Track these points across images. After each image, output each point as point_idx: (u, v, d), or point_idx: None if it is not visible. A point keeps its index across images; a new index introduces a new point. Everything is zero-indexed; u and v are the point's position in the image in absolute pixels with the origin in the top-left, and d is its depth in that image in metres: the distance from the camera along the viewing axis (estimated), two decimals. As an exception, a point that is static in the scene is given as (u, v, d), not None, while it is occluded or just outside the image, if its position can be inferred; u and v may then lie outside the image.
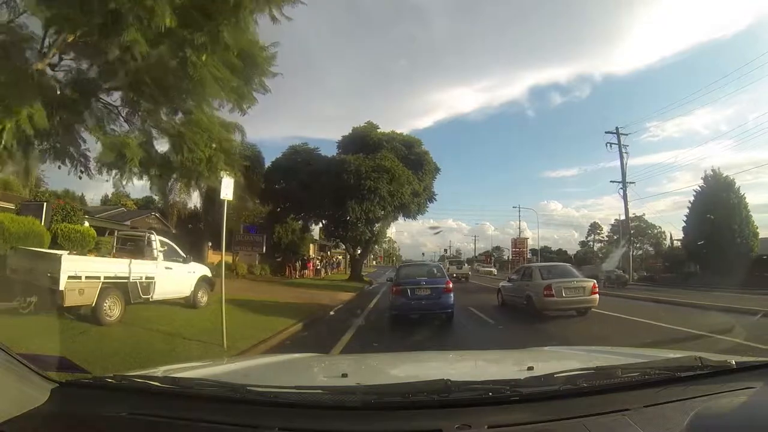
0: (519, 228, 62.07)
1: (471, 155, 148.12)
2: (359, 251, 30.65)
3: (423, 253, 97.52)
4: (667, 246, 63.77)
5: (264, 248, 27.54)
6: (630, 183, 31.12)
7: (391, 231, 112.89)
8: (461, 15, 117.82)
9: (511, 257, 66.74)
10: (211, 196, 27.86)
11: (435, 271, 10.98)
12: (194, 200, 27.63)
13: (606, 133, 32.00)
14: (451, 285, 9.94)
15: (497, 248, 73.38)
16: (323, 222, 29.15)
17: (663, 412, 1.16)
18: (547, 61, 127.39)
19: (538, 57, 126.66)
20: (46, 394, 1.18)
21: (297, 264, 28.69)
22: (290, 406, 1.17)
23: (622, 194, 30.98)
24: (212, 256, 27.90)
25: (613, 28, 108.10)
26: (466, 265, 38.39)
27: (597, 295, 10.42)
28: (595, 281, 10.86)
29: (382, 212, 25.61)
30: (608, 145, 31.80)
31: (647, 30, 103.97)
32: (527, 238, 64.34)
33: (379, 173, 24.71)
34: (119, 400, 1.23)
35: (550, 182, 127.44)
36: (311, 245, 46.77)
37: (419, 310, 9.60)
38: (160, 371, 1.54)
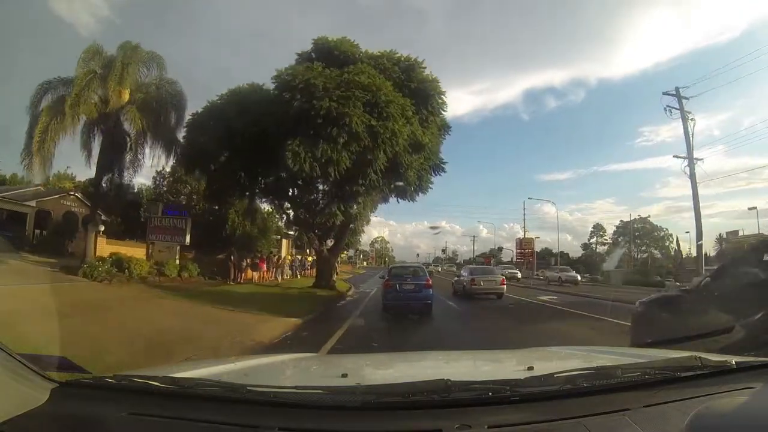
0: (524, 227, 52.89)
1: (465, 158, 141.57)
2: (330, 244, 20.35)
3: (417, 254, 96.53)
4: (674, 250, 57.42)
5: (186, 238, 17.50)
6: (698, 160, 22.72)
7: (384, 232, 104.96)
8: (458, 16, 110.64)
9: (515, 258, 56.84)
10: (108, 153, 17.45)
11: (419, 271, 13.18)
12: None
13: (664, 94, 23.45)
14: (431, 282, 12.39)
15: (500, 249, 64.12)
16: (282, 204, 18.99)
17: (663, 412, 1.13)
18: (542, 64, 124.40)
19: (534, 60, 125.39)
20: (46, 394, 1.15)
21: (244, 263, 18.74)
22: (290, 406, 1.14)
23: (688, 172, 21.53)
24: (106, 247, 17.01)
25: (609, 32, 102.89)
26: (432, 266, 53.50)
27: (505, 285, 16.92)
28: (504, 277, 17.98)
29: (363, 183, 14.90)
30: (668, 110, 23.22)
31: (644, 34, 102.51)
32: (534, 238, 55.09)
33: (348, 90, 13.66)
34: (119, 400, 1.19)
35: (543, 185, 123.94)
36: (285, 242, 35.99)
37: (405, 300, 11.63)
38: (160, 371, 1.49)
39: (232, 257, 19.68)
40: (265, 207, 24.62)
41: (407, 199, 18.74)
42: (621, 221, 65.01)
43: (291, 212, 19.68)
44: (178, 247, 18.63)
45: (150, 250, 19.25)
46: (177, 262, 18.25)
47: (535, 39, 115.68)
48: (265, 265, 22.04)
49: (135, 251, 18.45)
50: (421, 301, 11.67)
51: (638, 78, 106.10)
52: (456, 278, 20.36)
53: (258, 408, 1.14)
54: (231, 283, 18.70)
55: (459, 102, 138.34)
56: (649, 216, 61.46)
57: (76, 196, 27.41)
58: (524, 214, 56.56)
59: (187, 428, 1.10)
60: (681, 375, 1.30)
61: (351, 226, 19.28)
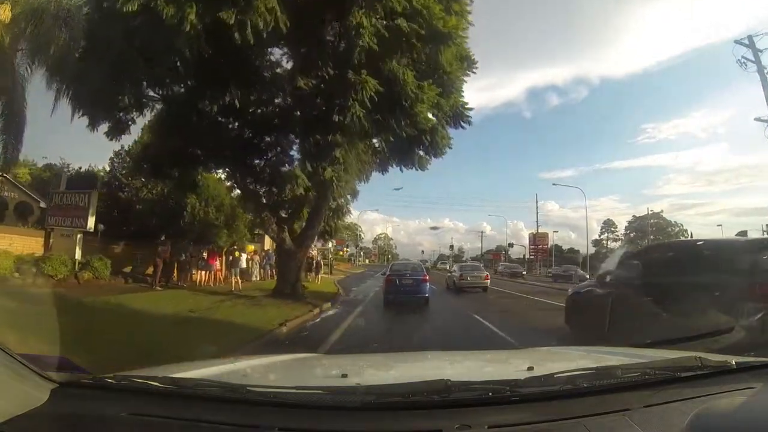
0: (537, 221, 46.70)
1: (467, 156, 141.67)
2: (297, 228, 13.77)
3: (422, 251, 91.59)
4: None
5: (89, 222, 11.16)
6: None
7: (387, 229, 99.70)
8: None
9: (528, 255, 50.74)
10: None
11: (417, 268, 13.93)
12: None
13: (736, 43, 18.61)
14: (428, 277, 13.06)
15: (510, 245, 58.10)
16: (235, 173, 12.61)
17: (663, 413, 1.11)
18: (544, 61, 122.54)
19: (537, 57, 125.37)
20: (46, 394, 1.11)
21: (183, 258, 12.54)
22: (290, 406, 1.11)
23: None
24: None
25: (610, 29, 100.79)
26: (428, 262, 53.00)
27: (488, 280, 19.09)
28: (487, 273, 20.35)
29: (340, 121, 8.70)
30: (742, 62, 18.39)
31: (643, 32, 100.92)
32: (548, 233, 49.35)
33: None
34: (119, 400, 1.16)
35: (545, 183, 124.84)
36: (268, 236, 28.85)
37: (404, 294, 12.26)
38: (160, 371, 1.45)
39: (160, 250, 13.60)
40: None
41: (414, 166, 12.46)
42: (634, 216, 61.25)
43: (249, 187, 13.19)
44: (80, 236, 12.39)
45: (51, 240, 13.10)
46: (78, 255, 12.05)
47: (537, 35, 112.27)
48: (216, 262, 15.84)
49: (25, 242, 12.39)
50: (418, 295, 12.35)
51: (640, 75, 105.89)
52: (448, 274, 23.04)
53: (258, 408, 1.11)
54: (158, 288, 12.56)
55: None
56: (662, 211, 57.09)
57: (6, 177, 21.16)
58: (537, 207, 50.37)
59: (187, 428, 1.07)
60: (681, 375, 1.28)
61: (333, 204, 12.79)
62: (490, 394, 1.11)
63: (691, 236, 57.22)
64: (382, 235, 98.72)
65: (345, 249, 71.68)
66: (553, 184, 55.86)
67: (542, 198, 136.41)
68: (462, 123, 11.97)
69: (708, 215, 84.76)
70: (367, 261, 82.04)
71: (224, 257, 16.65)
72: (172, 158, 12.44)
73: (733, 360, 1.36)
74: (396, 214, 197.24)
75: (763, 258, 4.54)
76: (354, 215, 74.06)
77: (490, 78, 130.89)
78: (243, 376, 1.54)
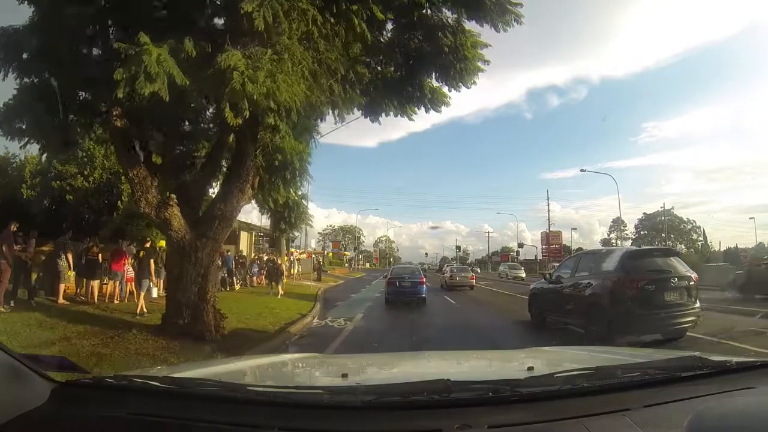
0: (548, 220, 42.14)
1: (468, 158, 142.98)
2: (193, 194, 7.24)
3: (426, 254, 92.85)
4: (700, 243, 53.39)
5: None
6: None
7: (389, 232, 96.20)
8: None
9: (540, 256, 45.91)
10: None
11: (416, 271, 15.75)
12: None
13: None
14: (424, 280, 14.58)
15: (521, 245, 53.62)
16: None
17: (663, 412, 1.09)
18: (544, 61, 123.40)
19: (536, 58, 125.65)
20: (46, 394, 1.09)
21: (63, 260, 7.26)
22: (290, 406, 1.09)
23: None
24: None
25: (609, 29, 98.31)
26: (425, 265, 56.93)
27: (474, 280, 22.18)
28: (473, 273, 23.71)
29: None
30: None
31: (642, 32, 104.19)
32: (561, 232, 45.60)
33: None
34: (119, 401, 1.14)
35: (547, 184, 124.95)
36: (245, 234, 24.69)
37: (403, 295, 13.77)
38: (160, 371, 1.50)
39: (4, 248, 7.62)
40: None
41: (423, 102, 7.78)
42: (645, 214, 56.78)
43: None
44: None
45: None
46: None
47: (536, 35, 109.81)
48: (124, 265, 10.06)
49: None
50: (416, 296, 13.78)
51: (640, 74, 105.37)
52: (441, 275, 27.32)
53: (258, 408, 1.09)
54: (3, 308, 7.51)
55: (461, 102, 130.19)
56: (672, 208, 54.13)
57: None
58: (548, 205, 45.50)
59: (187, 428, 1.04)
60: (681, 375, 1.25)
61: (275, 159, 6.65)
62: (490, 393, 1.10)
63: (704, 234, 55.32)
64: (384, 238, 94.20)
65: (344, 252, 66.71)
66: (581, 170, 53.93)
67: (541, 199, 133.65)
68: (505, 22, 6.46)
69: (710, 213, 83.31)
70: (367, 265, 77.59)
71: (145, 259, 9.70)
72: (37, 100, 7.32)
73: (734, 360, 1.36)
74: (398, 217, 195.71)
75: (638, 262, 6.95)
76: (355, 218, 68.64)
77: (491, 78, 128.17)
78: (243, 376, 1.54)
